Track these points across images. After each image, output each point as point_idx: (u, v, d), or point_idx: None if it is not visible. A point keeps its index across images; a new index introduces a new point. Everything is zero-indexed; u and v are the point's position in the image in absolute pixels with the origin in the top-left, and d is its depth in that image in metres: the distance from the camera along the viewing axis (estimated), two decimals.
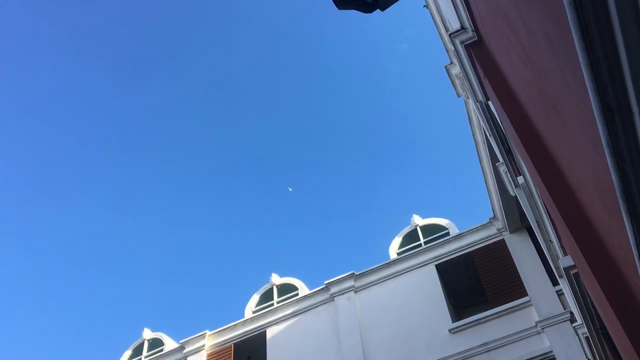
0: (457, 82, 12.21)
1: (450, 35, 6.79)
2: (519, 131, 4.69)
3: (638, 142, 1.56)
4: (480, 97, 7.07)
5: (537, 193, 6.91)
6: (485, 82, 5.87)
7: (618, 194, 1.72)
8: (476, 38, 6.24)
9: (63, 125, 38.16)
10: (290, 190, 36.16)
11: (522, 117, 4.75)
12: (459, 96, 12.90)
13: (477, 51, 6.11)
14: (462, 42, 6.39)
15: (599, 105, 1.58)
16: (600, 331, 7.61)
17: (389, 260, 15.94)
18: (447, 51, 11.47)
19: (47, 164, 38.53)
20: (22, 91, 35.92)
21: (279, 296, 17.63)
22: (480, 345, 13.04)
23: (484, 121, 9.52)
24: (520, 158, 6.05)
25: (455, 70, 11.88)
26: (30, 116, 36.76)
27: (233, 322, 16.84)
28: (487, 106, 8.19)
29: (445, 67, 12.12)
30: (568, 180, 4.26)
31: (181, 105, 39.85)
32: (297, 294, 17.22)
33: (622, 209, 1.74)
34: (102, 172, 39.51)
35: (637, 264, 1.87)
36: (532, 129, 4.64)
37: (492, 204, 14.75)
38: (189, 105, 40.02)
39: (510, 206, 13.87)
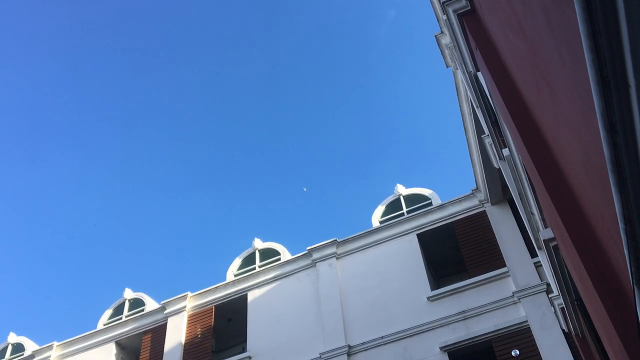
0: (446, 52, 12.14)
1: (442, 3, 6.74)
2: (507, 102, 4.71)
3: (632, 115, 1.58)
4: (470, 67, 7.07)
5: (522, 165, 6.99)
6: (477, 53, 5.86)
7: (608, 165, 1.75)
8: (469, 7, 6.21)
9: (57, 86, 37.50)
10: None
11: (511, 89, 4.78)
12: (447, 66, 12.85)
13: (470, 21, 6.08)
14: (455, 11, 6.35)
15: (596, 76, 1.59)
16: (575, 302, 7.83)
17: (372, 229, 16.07)
18: (438, 20, 11.38)
19: (36, 122, 37.94)
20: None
21: (261, 261, 17.74)
22: (457, 313, 13.31)
23: (471, 92, 9.54)
24: (506, 129, 6.09)
25: (446, 40, 11.81)
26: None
27: (215, 284, 16.97)
28: (476, 77, 8.19)
29: (436, 36, 12.02)
30: (554, 152, 4.32)
31: (164, 67, 39.28)
32: (279, 259, 17.35)
33: (611, 180, 1.77)
34: (83, 131, 39.02)
35: (622, 236, 1.92)
36: (520, 101, 4.67)
37: (475, 176, 14.88)
38: (169, 67, 39.46)
39: (493, 178, 14.02)
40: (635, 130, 1.60)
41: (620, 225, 1.90)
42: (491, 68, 5.14)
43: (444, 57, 12.60)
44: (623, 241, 1.93)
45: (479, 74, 7.04)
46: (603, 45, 1.49)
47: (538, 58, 3.55)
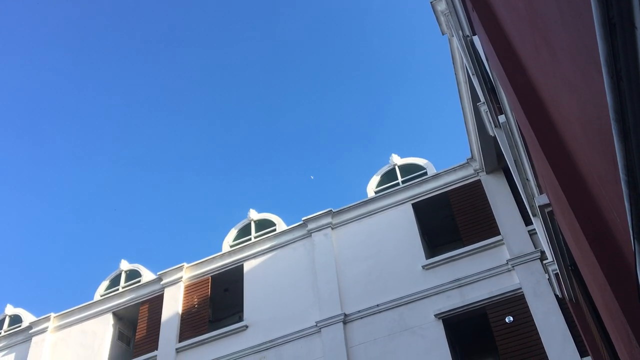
0: (442, 19, 12.01)
1: None
2: (504, 63, 4.65)
3: (638, 59, 1.53)
4: (467, 31, 6.96)
5: (518, 130, 6.95)
6: (473, 15, 5.76)
7: (611, 114, 1.70)
8: None
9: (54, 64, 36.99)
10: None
11: (508, 50, 4.70)
12: (443, 34, 12.71)
13: None
14: None
15: (602, 18, 1.53)
16: (570, 268, 7.87)
17: (367, 199, 16.09)
18: None
19: (32, 95, 37.54)
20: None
21: (256, 231, 17.77)
22: (452, 281, 13.42)
23: (467, 59, 9.45)
24: (503, 92, 6.03)
25: (441, 6, 11.67)
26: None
27: (211, 255, 17.01)
28: (472, 43, 8.09)
29: (431, 3, 11.88)
30: (551, 113, 4.27)
31: (158, 42, 38.77)
32: (274, 230, 17.38)
33: (613, 129, 1.73)
34: (78, 104, 38.67)
35: (624, 188, 1.88)
36: (517, 62, 4.61)
37: (470, 145, 14.86)
38: (162, 41, 38.95)
39: (489, 147, 13.99)
40: None
41: (622, 176, 1.86)
42: (488, 30, 5.05)
43: (440, 24, 12.46)
44: (624, 193, 1.89)
45: (475, 38, 6.94)
46: None
47: (537, 15, 3.47)
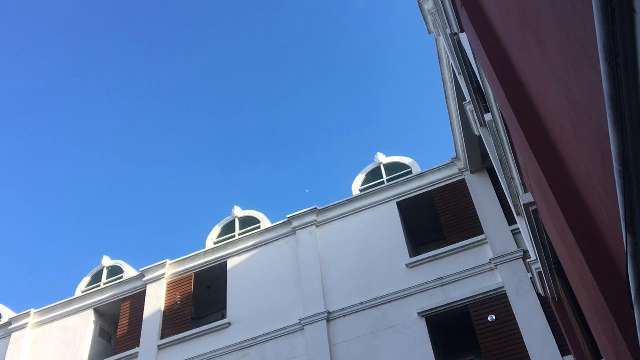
0: (429, 18, 12.03)
1: None
2: (492, 59, 4.65)
3: (636, 45, 1.52)
4: (455, 28, 6.96)
5: (504, 129, 6.97)
6: (462, 12, 5.76)
7: (607, 102, 1.69)
8: None
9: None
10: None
11: (496, 46, 4.70)
12: (430, 33, 12.74)
13: None
14: None
15: (601, 3, 1.52)
16: (553, 266, 7.93)
17: (352, 197, 16.08)
18: None
19: (16, 91, 36.99)
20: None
21: (241, 229, 17.69)
22: (435, 280, 13.45)
23: (453, 58, 9.47)
24: (490, 88, 6.03)
25: (428, 5, 11.69)
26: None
27: (194, 252, 16.89)
28: (459, 42, 8.11)
29: (418, 2, 11.89)
30: (539, 110, 4.27)
31: (141, 33, 38.42)
32: (259, 227, 17.31)
33: (608, 118, 1.71)
34: (61, 100, 38.19)
35: (617, 178, 1.87)
36: (505, 58, 4.61)
37: (455, 144, 14.92)
38: (144, 32, 38.61)
39: (473, 147, 14.06)
40: (638, 62, 1.53)
41: (615, 167, 1.85)
42: (477, 26, 5.05)
43: (427, 24, 12.48)
44: (617, 184, 1.88)
45: (463, 36, 6.94)
46: None
47: (528, 10, 3.47)
